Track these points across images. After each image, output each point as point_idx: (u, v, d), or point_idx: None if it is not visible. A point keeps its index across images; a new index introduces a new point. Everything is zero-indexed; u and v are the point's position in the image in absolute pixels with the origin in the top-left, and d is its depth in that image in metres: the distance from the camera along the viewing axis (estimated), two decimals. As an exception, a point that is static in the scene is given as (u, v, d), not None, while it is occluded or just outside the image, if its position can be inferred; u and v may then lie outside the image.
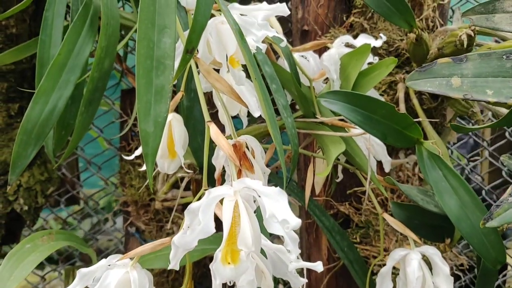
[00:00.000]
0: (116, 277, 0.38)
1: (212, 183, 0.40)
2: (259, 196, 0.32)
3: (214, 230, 0.31)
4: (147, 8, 0.33)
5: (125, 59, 0.73)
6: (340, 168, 0.58)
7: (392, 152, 0.72)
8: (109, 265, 0.39)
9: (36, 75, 0.49)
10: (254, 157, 0.40)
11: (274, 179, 0.56)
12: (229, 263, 0.33)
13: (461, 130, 0.53)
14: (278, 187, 0.31)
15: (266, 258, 0.37)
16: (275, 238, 0.81)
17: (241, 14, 0.42)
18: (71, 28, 0.47)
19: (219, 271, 0.33)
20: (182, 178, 0.66)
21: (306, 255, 0.73)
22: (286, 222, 0.29)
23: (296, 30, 0.75)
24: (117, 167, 0.91)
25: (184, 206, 0.77)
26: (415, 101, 0.65)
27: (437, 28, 0.73)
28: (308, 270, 0.75)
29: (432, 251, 0.47)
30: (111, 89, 0.86)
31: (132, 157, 0.45)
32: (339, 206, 0.71)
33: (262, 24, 0.41)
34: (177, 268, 0.35)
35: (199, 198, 0.35)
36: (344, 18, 0.71)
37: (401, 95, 0.67)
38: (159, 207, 0.72)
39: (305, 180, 0.58)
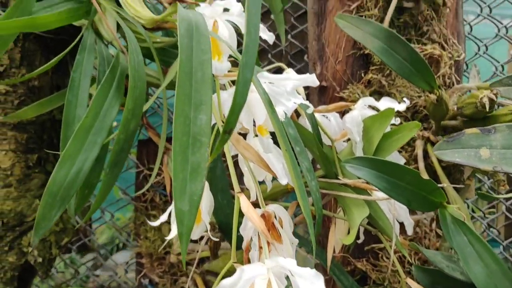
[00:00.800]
0: None
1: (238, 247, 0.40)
2: (293, 275, 0.32)
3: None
4: (184, 83, 0.33)
5: (145, 113, 0.74)
6: (362, 229, 0.58)
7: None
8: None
9: (61, 136, 0.49)
10: (282, 227, 0.40)
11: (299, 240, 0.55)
12: None
13: (488, 198, 0.53)
14: (314, 270, 0.31)
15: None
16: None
17: (270, 82, 0.42)
18: (98, 90, 0.48)
19: None
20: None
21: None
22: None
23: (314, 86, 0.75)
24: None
25: (200, 260, 0.76)
26: (434, 159, 0.65)
27: (453, 84, 0.74)
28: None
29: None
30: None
31: (157, 223, 0.44)
32: (356, 262, 0.69)
33: (290, 93, 0.42)
34: None
35: (228, 272, 0.35)
36: (362, 75, 0.72)
37: (419, 152, 0.67)
38: (174, 261, 0.71)
39: (325, 237, 0.57)
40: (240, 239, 0.41)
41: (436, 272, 0.53)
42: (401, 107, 0.52)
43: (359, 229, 0.59)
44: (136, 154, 0.82)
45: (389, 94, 0.71)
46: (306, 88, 0.83)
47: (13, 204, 0.70)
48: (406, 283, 0.53)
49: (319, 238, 0.71)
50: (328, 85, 0.72)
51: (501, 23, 0.92)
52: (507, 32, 0.93)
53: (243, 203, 0.36)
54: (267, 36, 0.45)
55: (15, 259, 0.70)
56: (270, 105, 0.39)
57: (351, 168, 0.47)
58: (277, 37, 0.84)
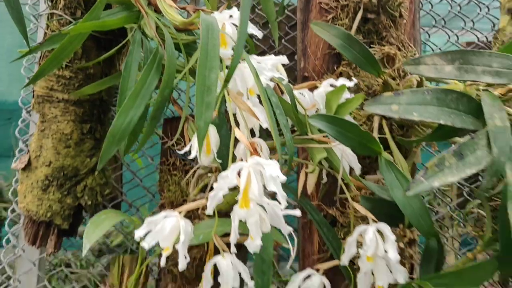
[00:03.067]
0: (170, 223, 0.59)
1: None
2: (264, 168, 0.54)
3: (237, 183, 0.53)
4: (203, 56, 0.56)
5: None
6: (324, 172, 0.80)
7: (371, 170, 0.93)
8: (165, 216, 0.61)
9: (118, 98, 0.73)
10: (261, 151, 0.62)
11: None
12: (243, 208, 0.54)
13: (406, 143, 0.75)
14: (276, 161, 0.53)
15: (266, 212, 0.58)
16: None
17: (258, 62, 0.65)
18: (144, 69, 0.71)
19: (238, 212, 0.54)
20: (206, 185, 0.88)
21: (302, 248, 0.93)
22: (278, 177, 0.51)
23: (299, 76, 0.99)
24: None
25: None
26: (386, 130, 0.87)
27: (406, 75, 0.96)
28: (303, 260, 0.94)
29: (383, 225, 0.67)
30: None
31: (182, 152, 0.67)
32: (327, 209, 0.91)
33: (270, 69, 0.65)
34: (211, 213, 0.56)
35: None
36: (335, 68, 0.95)
37: (375, 125, 0.89)
38: (190, 207, 0.94)
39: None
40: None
41: (375, 200, 0.74)
42: (351, 84, 0.74)
43: (322, 173, 0.82)
44: (162, 129, 1.05)
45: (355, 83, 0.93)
46: (294, 78, 1.06)
47: (71, 160, 0.93)
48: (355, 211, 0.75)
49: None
50: (309, 75, 0.95)
51: (452, 32, 1.15)
52: (458, 39, 1.15)
53: (237, 132, 0.59)
54: (256, 32, 0.68)
55: (71, 201, 0.93)
56: (256, 75, 0.62)
57: (313, 122, 0.69)
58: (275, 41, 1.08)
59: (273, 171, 0.53)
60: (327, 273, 0.77)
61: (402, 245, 0.83)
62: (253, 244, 0.56)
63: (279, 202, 0.54)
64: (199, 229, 0.78)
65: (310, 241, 0.95)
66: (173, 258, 1.00)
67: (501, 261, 0.69)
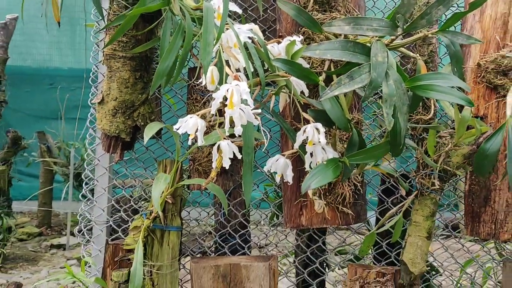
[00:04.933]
0: (193, 120, 1.09)
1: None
2: (240, 87, 1.02)
3: (226, 94, 1.01)
4: (205, 23, 1.04)
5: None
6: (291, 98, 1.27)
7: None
8: (190, 117, 1.10)
9: (160, 51, 1.21)
10: (242, 80, 1.10)
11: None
12: (230, 108, 1.02)
13: (336, 73, 1.22)
14: (245, 82, 1.01)
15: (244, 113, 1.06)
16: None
17: (238, 28, 1.12)
18: (174, 35, 1.19)
19: (227, 111, 1.02)
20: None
21: (281, 150, 1.42)
22: (247, 91, 1.00)
23: (277, 35, 1.45)
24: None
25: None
26: (332, 68, 1.33)
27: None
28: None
29: (318, 125, 1.15)
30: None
31: (199, 81, 1.15)
32: (297, 123, 1.39)
33: (247, 32, 1.12)
34: (214, 113, 1.05)
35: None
36: (300, 29, 1.40)
37: (326, 65, 1.35)
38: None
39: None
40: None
41: (316, 110, 1.22)
42: (298, 39, 1.20)
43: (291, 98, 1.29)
44: (187, 75, 1.54)
45: (313, 40, 1.39)
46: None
47: (129, 96, 1.44)
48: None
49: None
50: (282, 35, 1.41)
51: (391, -1, 1.58)
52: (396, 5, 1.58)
53: (227, 69, 1.07)
54: (236, 8, 1.15)
55: (131, 123, 1.44)
56: (237, 35, 1.09)
57: (275, 63, 1.16)
58: (262, 22, 1.54)
59: (244, 87, 1.01)
60: (292, 159, 1.26)
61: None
62: (237, 129, 1.05)
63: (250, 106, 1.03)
64: (211, 135, 1.28)
65: (287, 145, 1.44)
66: (198, 160, 1.52)
67: (391, 144, 1.16)
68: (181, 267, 1.65)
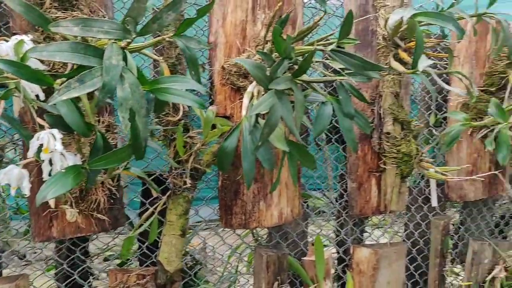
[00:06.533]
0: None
1: None
2: None
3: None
4: None
5: None
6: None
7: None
8: None
9: None
10: None
11: None
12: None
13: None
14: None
15: None
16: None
17: None
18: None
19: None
20: None
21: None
22: None
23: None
24: None
25: None
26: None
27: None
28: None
29: (54, 131, 1.07)
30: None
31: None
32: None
33: None
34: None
35: None
36: (38, 27, 1.29)
37: (69, 68, 1.28)
38: None
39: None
40: None
41: (54, 115, 1.14)
42: (28, 38, 1.10)
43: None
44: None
45: (54, 39, 1.30)
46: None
47: None
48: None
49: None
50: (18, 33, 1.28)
51: None
52: None
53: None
54: None
55: None
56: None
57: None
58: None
59: None
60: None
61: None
62: None
63: None
64: None
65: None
66: None
67: (132, 147, 1.15)
68: None
